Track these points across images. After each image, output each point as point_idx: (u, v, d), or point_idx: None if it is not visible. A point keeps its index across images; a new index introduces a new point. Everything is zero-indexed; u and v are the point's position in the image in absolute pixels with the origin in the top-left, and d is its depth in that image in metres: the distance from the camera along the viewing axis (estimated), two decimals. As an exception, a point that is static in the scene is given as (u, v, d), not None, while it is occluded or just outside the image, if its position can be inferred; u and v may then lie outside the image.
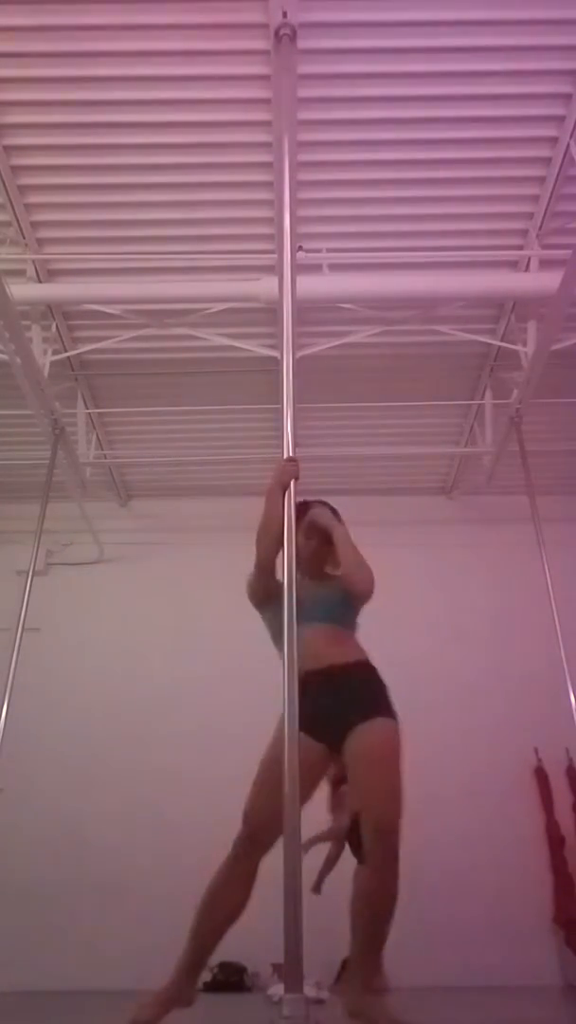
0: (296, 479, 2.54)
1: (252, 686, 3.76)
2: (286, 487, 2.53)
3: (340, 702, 2.58)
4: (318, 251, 4.72)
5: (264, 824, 2.48)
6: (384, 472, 6.76)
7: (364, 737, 2.54)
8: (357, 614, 2.90)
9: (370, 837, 2.40)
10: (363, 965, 2.47)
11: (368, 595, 2.79)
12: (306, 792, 2.46)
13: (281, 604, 2.32)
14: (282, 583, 2.38)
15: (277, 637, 2.60)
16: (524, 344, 5.11)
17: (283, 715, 2.13)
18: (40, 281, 4.86)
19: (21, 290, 4.59)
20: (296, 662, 2.21)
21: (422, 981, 4.62)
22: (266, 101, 3.97)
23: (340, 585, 2.83)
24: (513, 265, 4.91)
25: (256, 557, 2.78)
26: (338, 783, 3.97)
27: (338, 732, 2.57)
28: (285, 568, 2.39)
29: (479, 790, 5.71)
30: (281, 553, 2.50)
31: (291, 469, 2.56)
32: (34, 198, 4.50)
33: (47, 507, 5.45)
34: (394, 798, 2.47)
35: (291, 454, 2.63)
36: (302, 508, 2.89)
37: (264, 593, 2.83)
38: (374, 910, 2.42)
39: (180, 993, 2.48)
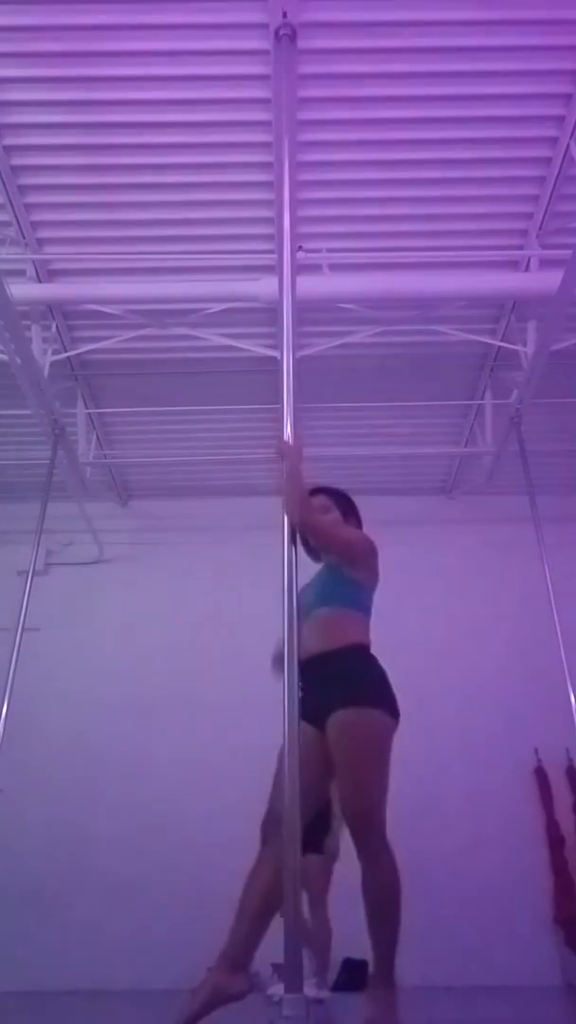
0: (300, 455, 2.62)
1: (253, 685, 3.75)
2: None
3: (321, 690, 2.46)
4: (318, 251, 4.71)
5: (271, 813, 2.44)
6: (384, 472, 6.75)
7: (335, 726, 2.46)
8: (356, 584, 2.77)
9: (350, 831, 2.38)
10: (378, 964, 2.39)
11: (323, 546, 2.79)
12: (317, 779, 2.43)
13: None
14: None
15: None
16: (524, 344, 5.11)
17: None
18: (40, 281, 4.85)
19: (21, 290, 4.58)
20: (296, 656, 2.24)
21: (423, 981, 4.62)
22: (266, 101, 3.97)
23: (333, 561, 2.80)
24: (513, 265, 4.90)
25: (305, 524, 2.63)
26: None
27: (320, 720, 2.49)
28: (286, 567, 2.39)
29: (479, 790, 5.72)
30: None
31: (285, 448, 2.64)
32: (34, 198, 4.50)
33: (47, 507, 5.46)
34: (364, 789, 2.41)
35: None
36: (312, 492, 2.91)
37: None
38: (372, 904, 2.37)
39: (222, 983, 2.24)
